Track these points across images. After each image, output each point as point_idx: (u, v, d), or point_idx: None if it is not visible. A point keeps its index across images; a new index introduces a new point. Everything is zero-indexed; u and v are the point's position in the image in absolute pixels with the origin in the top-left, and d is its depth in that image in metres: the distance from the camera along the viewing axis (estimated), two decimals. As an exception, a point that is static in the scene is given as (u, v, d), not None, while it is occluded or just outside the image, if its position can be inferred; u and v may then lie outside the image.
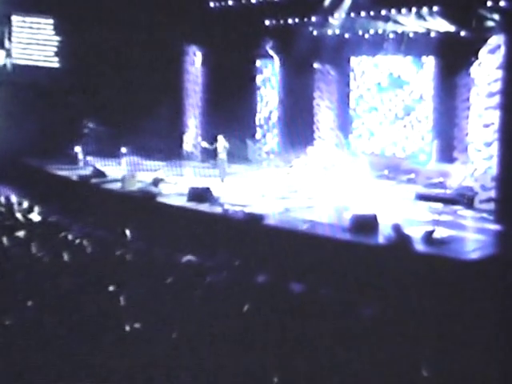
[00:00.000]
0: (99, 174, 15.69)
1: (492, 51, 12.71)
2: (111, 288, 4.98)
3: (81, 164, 18.31)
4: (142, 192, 13.26)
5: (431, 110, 17.14)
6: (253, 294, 6.20)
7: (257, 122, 20.12)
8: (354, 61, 18.61)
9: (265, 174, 17.64)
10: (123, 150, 19.75)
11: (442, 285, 7.88)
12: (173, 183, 14.29)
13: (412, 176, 16.98)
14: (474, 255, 8.94)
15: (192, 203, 12.32)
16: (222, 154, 14.92)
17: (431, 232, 9.39)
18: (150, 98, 19.17)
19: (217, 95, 19.25)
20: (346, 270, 8.75)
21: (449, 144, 16.66)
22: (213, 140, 15.71)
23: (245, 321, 5.47)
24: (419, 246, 8.99)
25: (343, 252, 9.29)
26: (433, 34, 16.49)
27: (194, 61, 19.78)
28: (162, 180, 14.20)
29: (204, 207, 12.02)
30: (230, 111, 18.12)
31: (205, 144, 14.95)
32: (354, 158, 18.35)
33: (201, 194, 12.49)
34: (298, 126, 18.93)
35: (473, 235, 10.41)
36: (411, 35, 17.05)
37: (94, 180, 15.16)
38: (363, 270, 8.66)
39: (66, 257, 6.39)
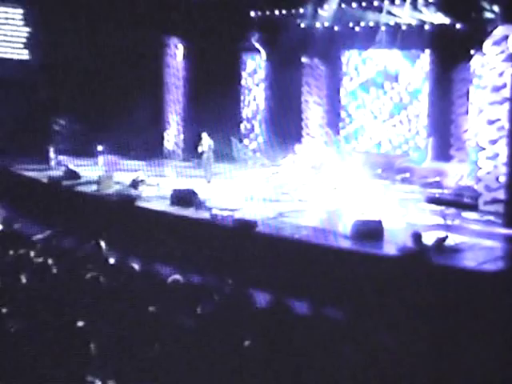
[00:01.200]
0: (72, 174, 14.44)
1: (497, 43, 11.85)
2: (79, 324, 3.93)
3: (52, 164, 16.95)
4: (120, 195, 12.10)
5: (426, 106, 16.30)
6: (253, 323, 5.22)
7: (242, 119, 19.09)
8: (345, 55, 17.69)
9: (251, 173, 16.63)
10: (99, 148, 18.68)
11: (465, 301, 6.96)
12: (154, 185, 13.19)
13: (407, 175, 16.14)
14: (493, 265, 8.03)
15: (176, 207, 11.24)
16: (208, 153, 13.86)
17: (443, 239, 8.48)
18: (127, 93, 18.05)
19: (199, 90, 18.22)
20: (352, 284, 7.77)
21: (445, 141, 15.85)
22: (196, 138, 14.63)
23: (247, 359, 4.48)
24: (433, 256, 8.05)
25: (347, 263, 8.32)
26: (428, 27, 15.68)
27: (176, 54, 18.68)
28: (142, 181, 13.09)
29: (189, 212, 10.95)
30: (214, 107, 17.14)
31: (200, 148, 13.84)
32: (344, 157, 17.45)
33: (185, 198, 11.42)
34: (285, 123, 17.95)
35: (485, 241, 9.52)
36: (404, 28, 16.21)
37: (66, 182, 13.86)
38: (370, 285, 7.70)
39: (23, 280, 5.30)
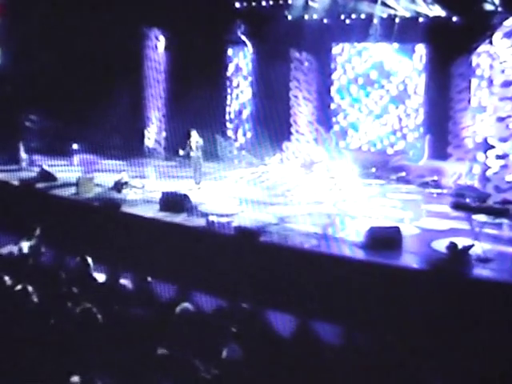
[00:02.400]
0: (47, 176, 13.22)
1: (508, 35, 11.11)
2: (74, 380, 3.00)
3: (23, 164, 15.58)
4: (103, 200, 11.00)
5: (422, 102, 15.56)
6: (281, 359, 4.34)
7: (227, 115, 18.15)
8: (336, 48, 16.86)
9: (239, 173, 15.69)
10: (74, 146, 17.55)
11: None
12: (139, 187, 12.14)
13: (403, 174, 15.41)
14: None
15: (166, 213, 10.23)
16: (196, 152, 12.86)
17: (469, 247, 7.68)
18: (104, 88, 16.92)
19: (182, 85, 17.16)
20: (376, 303, 6.91)
21: (442, 139, 15.13)
22: (178, 135, 13.60)
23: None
24: (467, 269, 7.22)
25: (365, 277, 7.45)
26: (424, 19, 14.95)
27: (157, 46, 17.60)
28: (125, 184, 12.03)
29: (181, 219, 9.94)
30: (198, 103, 16.14)
31: (181, 152, 12.81)
32: (336, 155, 16.66)
33: (176, 202, 10.42)
34: (272, 120, 17.00)
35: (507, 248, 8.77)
36: (397, 20, 15.46)
37: (40, 184, 12.65)
38: (395, 303, 6.86)
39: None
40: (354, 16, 16.10)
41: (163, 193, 10.80)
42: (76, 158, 17.03)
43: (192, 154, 12.90)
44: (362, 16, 15.98)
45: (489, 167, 11.87)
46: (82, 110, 16.83)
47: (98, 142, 16.94)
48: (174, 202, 10.46)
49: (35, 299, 5.44)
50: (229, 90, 18.15)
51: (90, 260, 7.12)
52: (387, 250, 8.33)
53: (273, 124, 16.85)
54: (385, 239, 8.42)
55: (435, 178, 14.85)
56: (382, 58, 16.07)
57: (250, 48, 17.59)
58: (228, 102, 18.12)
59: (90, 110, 16.65)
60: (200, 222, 9.69)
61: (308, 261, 8.15)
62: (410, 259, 8.10)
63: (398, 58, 15.85)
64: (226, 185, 13.91)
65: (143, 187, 12.31)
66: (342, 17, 16.16)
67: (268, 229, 9.18)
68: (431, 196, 13.62)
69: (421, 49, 15.52)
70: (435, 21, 14.88)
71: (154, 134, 18.10)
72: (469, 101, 14.21)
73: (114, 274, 6.96)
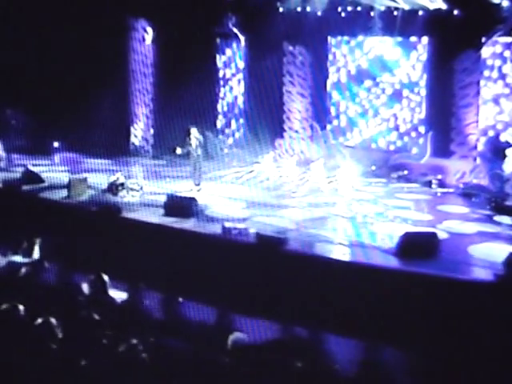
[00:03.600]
0: (33, 177, 12.19)
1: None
2: None
3: (1, 164, 14.56)
4: (101, 204, 10.08)
5: (424, 98, 15.02)
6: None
7: (218, 112, 17.35)
8: (332, 42, 16.20)
9: (233, 172, 14.92)
10: (55, 144, 16.56)
11: None
12: (137, 189, 11.26)
13: (404, 172, 14.88)
14: None
15: (172, 219, 9.39)
16: (196, 151, 12.04)
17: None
18: (87, 82, 15.99)
19: (171, 79, 16.30)
20: (421, 318, 6.27)
21: (445, 136, 14.63)
22: (180, 134, 12.77)
23: None
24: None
25: (408, 289, 6.81)
26: (425, 13, 14.42)
27: (144, 38, 16.66)
28: (122, 185, 11.12)
29: (192, 225, 9.11)
30: (187, 98, 15.35)
31: (179, 150, 11.97)
32: (333, 153, 16.04)
33: (183, 206, 9.59)
34: (265, 116, 16.29)
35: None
36: (396, 13, 14.91)
37: (25, 186, 11.63)
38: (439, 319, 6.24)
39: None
40: (350, 8, 15.50)
41: (168, 196, 9.97)
42: (57, 157, 16.07)
43: (192, 152, 12.08)
44: (359, 8, 15.40)
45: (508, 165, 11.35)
46: (64, 106, 15.90)
47: (81, 140, 16.03)
48: (180, 205, 9.65)
49: (59, 334, 4.61)
50: (219, 85, 17.35)
51: (106, 278, 6.30)
52: (424, 257, 7.73)
53: (265, 120, 16.16)
54: (421, 246, 7.82)
55: (439, 176, 14.38)
56: (381, 52, 15.48)
57: (242, 41, 16.81)
58: (218, 98, 17.32)
59: (72, 106, 15.75)
60: (213, 228, 8.89)
61: (341, 272, 7.47)
62: (454, 268, 7.49)
63: (398, 53, 15.27)
64: (224, 185, 13.14)
65: (141, 189, 11.44)
66: (339, 9, 15.53)
67: (289, 235, 8.42)
68: (441, 195, 13.11)
69: (422, 43, 14.98)
70: (436, 14, 14.38)
71: (140, 131, 17.17)
72: (478, 96, 13.73)
73: (134, 293, 6.16)
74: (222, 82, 17.34)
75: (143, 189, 11.56)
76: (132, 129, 17.17)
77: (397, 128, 15.44)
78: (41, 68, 15.97)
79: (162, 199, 11.02)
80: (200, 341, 4.94)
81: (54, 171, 13.83)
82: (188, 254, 8.18)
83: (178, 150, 11.92)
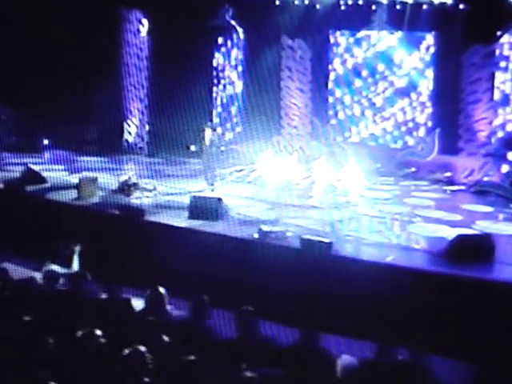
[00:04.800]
0: (35, 177, 11.36)
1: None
2: None
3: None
4: (121, 206, 9.36)
5: (430, 94, 14.74)
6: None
7: (215, 107, 16.74)
8: (334, 36, 15.78)
9: (235, 170, 14.34)
10: (45, 141, 15.75)
11: None
12: (150, 189, 10.60)
13: (412, 170, 14.59)
14: None
15: (199, 222, 8.77)
16: (210, 150, 11.44)
17: None
18: (78, 76, 15.20)
19: (167, 74, 15.61)
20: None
21: (453, 133, 14.40)
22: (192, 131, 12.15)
23: None
24: None
25: (468, 297, 6.43)
26: (430, 5, 14.16)
27: (139, 30, 15.91)
28: (134, 185, 10.43)
29: (223, 228, 8.51)
30: (183, 93, 14.75)
31: (193, 148, 11.38)
32: (335, 150, 15.62)
33: (209, 208, 8.99)
34: (264, 112, 15.78)
35: None
36: (399, 7, 14.62)
37: (29, 187, 10.79)
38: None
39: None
40: (350, 2, 15.15)
41: (193, 197, 9.34)
42: (48, 155, 15.27)
43: (205, 151, 11.47)
44: (360, 2, 15.06)
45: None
46: (54, 101, 15.10)
47: (72, 137, 15.26)
48: (206, 207, 9.04)
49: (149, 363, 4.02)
50: (216, 80, 16.74)
51: (163, 291, 5.69)
52: (478, 261, 7.36)
53: (263, 117, 15.65)
54: (476, 248, 7.45)
55: (448, 174, 14.14)
56: (385, 47, 15.14)
57: (240, 34, 16.24)
58: (216, 93, 16.71)
59: (63, 102, 14.97)
60: (246, 231, 8.32)
61: (395, 278, 7.04)
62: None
63: (403, 47, 14.96)
64: (234, 185, 12.55)
65: (154, 189, 10.77)
66: (341, 2, 15.15)
67: (330, 238, 7.93)
68: (456, 194, 12.85)
69: (429, 37, 14.70)
70: (442, 8, 14.13)
71: (134, 127, 16.43)
72: (491, 93, 13.52)
73: (198, 310, 5.56)
74: (218, 77, 16.74)
75: (156, 189, 10.90)
76: (125, 125, 16.42)
77: (402, 124, 15.14)
78: (29, 61, 15.10)
79: (178, 200, 10.44)
80: (299, 367, 4.42)
81: (46, 170, 12.99)
82: (232, 262, 7.60)
83: (192, 148, 11.31)
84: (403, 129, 15.10)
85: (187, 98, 14.88)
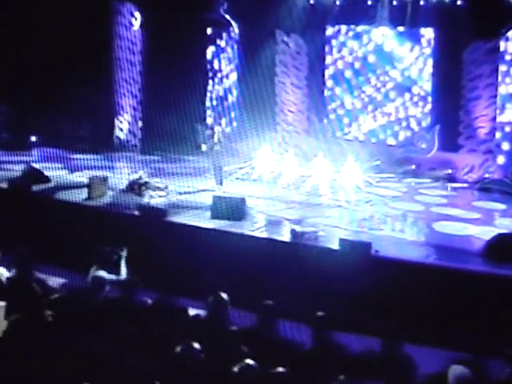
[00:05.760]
0: (39, 176, 10.80)
1: None
2: None
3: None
4: (141, 206, 8.88)
5: (430, 90, 14.67)
6: None
7: (209, 103, 16.34)
8: (330, 31, 15.56)
9: (233, 168, 14.00)
10: (32, 138, 15.18)
11: None
12: (162, 188, 10.17)
13: (413, 167, 14.50)
14: None
15: (222, 222, 8.41)
16: (217, 148, 11.09)
17: None
18: (66, 71, 14.69)
19: (161, 68, 15.17)
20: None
21: (453, 129, 14.37)
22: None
23: None
24: None
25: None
26: (424, 2, 14.09)
27: (132, 23, 15.39)
28: (146, 184, 10.00)
29: (250, 229, 8.16)
30: (177, 89, 14.34)
31: (204, 147, 11.01)
32: (332, 147, 15.41)
33: (233, 207, 8.65)
34: (258, 109, 15.47)
35: None
36: (395, 3, 14.52)
37: (35, 187, 10.23)
38: None
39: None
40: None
41: (216, 197, 8.98)
42: (36, 152, 14.71)
43: (214, 149, 11.12)
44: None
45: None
46: (42, 96, 14.57)
47: (61, 134, 14.75)
48: (229, 207, 8.70)
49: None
50: (210, 75, 16.34)
51: (225, 297, 5.36)
52: None
53: (258, 113, 15.35)
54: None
55: (449, 171, 14.12)
56: (384, 42, 15.00)
57: (235, 28, 15.87)
58: (210, 88, 16.31)
59: (51, 97, 14.47)
60: (277, 232, 8.01)
61: (443, 279, 6.86)
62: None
63: (402, 43, 14.84)
64: (240, 183, 12.21)
65: (166, 188, 10.35)
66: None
67: (364, 238, 7.71)
68: (461, 191, 12.82)
69: (428, 33, 14.61)
70: (441, 3, 14.07)
71: (126, 123, 15.90)
72: (492, 89, 13.52)
73: (265, 318, 5.25)
74: (213, 72, 16.34)
75: (168, 188, 10.48)
76: (116, 121, 15.87)
77: (401, 121, 15.04)
78: (17, 55, 14.47)
79: (192, 199, 10.06)
80: (395, 377, 4.17)
81: (47, 169, 12.41)
82: (272, 265, 7.28)
83: (203, 147, 10.96)
84: (403, 125, 14.99)
85: (182, 93, 14.50)
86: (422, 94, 14.74)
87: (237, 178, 12.43)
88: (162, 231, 8.08)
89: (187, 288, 6.04)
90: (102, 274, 5.66)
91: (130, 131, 15.83)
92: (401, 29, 14.67)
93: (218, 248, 7.72)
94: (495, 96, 13.71)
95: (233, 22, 15.83)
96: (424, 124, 14.79)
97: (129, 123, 15.79)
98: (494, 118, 13.80)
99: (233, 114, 16.26)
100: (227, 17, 15.75)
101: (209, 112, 16.43)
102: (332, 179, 13.19)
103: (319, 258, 7.34)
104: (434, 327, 6.49)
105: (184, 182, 11.57)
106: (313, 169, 14.45)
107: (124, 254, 6.02)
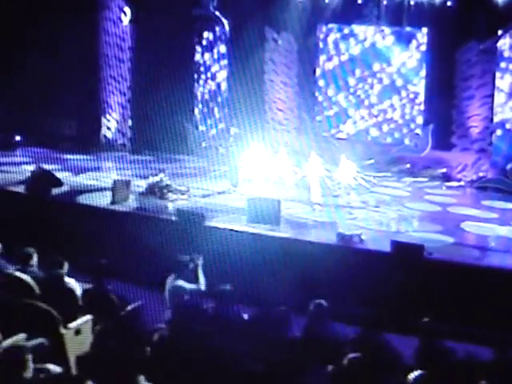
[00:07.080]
0: (51, 179, 10.15)
1: None
2: None
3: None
4: (182, 212, 8.40)
5: (423, 90, 14.83)
6: None
7: (198, 101, 15.96)
8: (322, 29, 15.49)
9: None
10: (16, 138, 14.52)
11: None
12: (184, 191, 9.81)
13: (407, 166, 14.65)
14: None
15: (260, 226, 8.17)
16: (235, 149, 10.82)
17: None
18: (51, 69, 14.11)
19: (150, 65, 14.70)
20: None
21: (446, 129, 14.61)
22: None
23: None
24: None
25: None
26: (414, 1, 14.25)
27: (121, 19, 14.83)
28: (167, 187, 9.61)
29: (293, 233, 7.95)
30: (167, 86, 14.02)
31: (222, 149, 10.72)
32: (324, 145, 15.38)
33: (269, 211, 8.42)
34: (247, 107, 15.27)
35: None
36: (385, 2, 14.63)
37: (52, 192, 9.60)
38: None
39: None
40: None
41: (250, 199, 8.72)
42: (20, 153, 14.07)
43: (230, 151, 10.84)
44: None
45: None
46: (25, 93, 13.95)
47: (47, 133, 14.20)
48: (265, 210, 8.47)
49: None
50: (199, 72, 15.95)
51: (325, 304, 5.19)
52: None
53: (247, 111, 15.14)
54: None
55: (443, 169, 14.35)
56: (377, 41, 15.06)
57: (225, 26, 15.56)
58: (199, 89, 15.91)
59: (36, 94, 13.89)
60: (325, 235, 7.85)
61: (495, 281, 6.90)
62: None
63: (394, 42, 14.95)
64: (252, 184, 11.95)
65: (188, 191, 9.99)
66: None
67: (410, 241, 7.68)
68: (462, 190, 13.03)
69: (421, 33, 14.76)
70: (432, 4, 14.26)
71: (114, 122, 15.33)
72: (485, 89, 13.80)
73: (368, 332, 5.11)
74: (201, 69, 15.96)
75: (190, 190, 10.13)
76: (104, 120, 15.28)
77: (394, 120, 15.14)
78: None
79: (217, 202, 9.76)
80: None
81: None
82: (323, 269, 7.11)
83: (221, 150, 10.69)
84: (396, 124, 15.11)
85: (172, 91, 14.16)
86: (416, 92, 14.89)
87: (244, 179, 12.17)
88: (206, 239, 7.69)
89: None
90: (181, 283, 5.37)
91: (118, 130, 15.28)
92: (394, 28, 14.76)
93: (274, 254, 7.47)
94: (488, 96, 14.01)
95: (223, 19, 15.52)
96: (417, 123, 14.95)
97: (117, 122, 15.23)
98: (487, 118, 14.12)
99: (224, 112, 15.94)
100: (217, 13, 15.44)
101: (198, 110, 16.05)
102: (331, 179, 13.17)
103: (371, 262, 7.25)
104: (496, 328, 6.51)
105: (195, 184, 11.24)
106: (308, 168, 14.41)
107: (200, 261, 5.72)
